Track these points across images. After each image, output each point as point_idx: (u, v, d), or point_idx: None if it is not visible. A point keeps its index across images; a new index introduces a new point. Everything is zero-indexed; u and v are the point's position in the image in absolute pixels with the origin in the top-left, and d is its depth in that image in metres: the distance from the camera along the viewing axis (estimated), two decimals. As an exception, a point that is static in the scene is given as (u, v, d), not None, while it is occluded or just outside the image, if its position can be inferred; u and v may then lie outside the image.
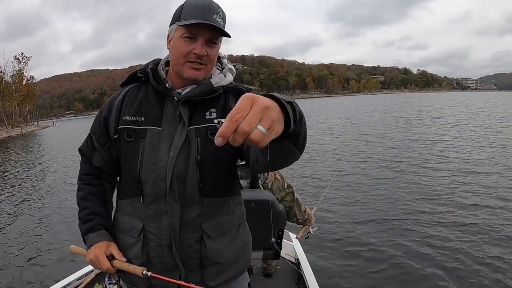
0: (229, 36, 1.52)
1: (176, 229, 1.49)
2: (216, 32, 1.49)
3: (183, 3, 1.52)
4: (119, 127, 1.56)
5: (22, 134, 58.79)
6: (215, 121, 1.53)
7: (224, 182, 1.60)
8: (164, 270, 1.52)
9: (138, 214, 1.54)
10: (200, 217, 1.52)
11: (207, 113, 1.56)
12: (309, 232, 3.76)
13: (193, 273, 1.56)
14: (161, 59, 1.68)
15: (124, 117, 1.56)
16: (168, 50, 1.60)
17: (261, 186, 3.16)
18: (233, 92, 1.61)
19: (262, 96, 0.83)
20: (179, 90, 1.57)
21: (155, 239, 1.52)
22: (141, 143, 1.52)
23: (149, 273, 1.43)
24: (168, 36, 1.56)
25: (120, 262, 1.51)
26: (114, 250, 1.55)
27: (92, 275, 3.79)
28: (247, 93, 0.81)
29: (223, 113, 1.56)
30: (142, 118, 1.54)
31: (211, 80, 1.58)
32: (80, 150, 1.71)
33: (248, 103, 0.78)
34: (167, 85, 1.57)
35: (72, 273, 3.76)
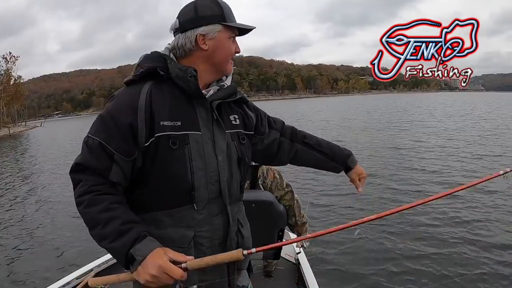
0: (243, 34, 1.70)
1: (230, 227, 1.59)
2: None
3: (217, 2, 1.56)
4: (158, 134, 1.45)
5: (10, 135, 58.30)
6: None
7: None
8: (212, 268, 1.49)
9: (186, 222, 1.50)
10: (237, 212, 1.69)
11: (232, 118, 1.72)
12: (302, 245, 3.82)
13: (230, 263, 1.60)
14: (160, 52, 1.62)
15: (162, 123, 1.46)
16: (199, 49, 1.57)
17: (261, 186, 3.19)
18: (243, 102, 1.82)
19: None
20: (203, 92, 1.58)
21: (207, 242, 1.54)
22: (186, 149, 1.47)
23: (245, 251, 1.39)
24: (203, 36, 1.54)
25: (197, 261, 1.36)
26: (173, 254, 1.35)
27: (92, 274, 3.81)
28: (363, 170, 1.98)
29: (243, 121, 1.78)
30: (179, 123, 1.48)
31: (230, 83, 1.71)
32: (82, 164, 1.45)
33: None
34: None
35: (72, 272, 3.79)
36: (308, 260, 3.99)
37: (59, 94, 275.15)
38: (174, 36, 1.62)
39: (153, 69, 1.52)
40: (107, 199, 1.39)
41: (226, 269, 1.63)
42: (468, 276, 5.06)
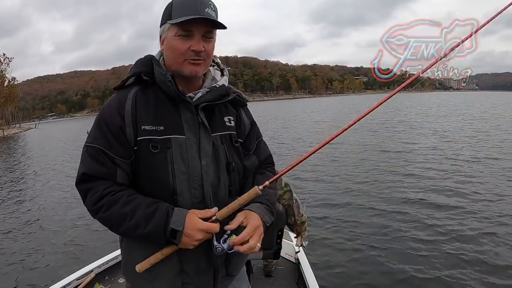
0: (225, 28, 1.48)
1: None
2: (211, 26, 1.47)
3: (171, 1, 1.48)
4: (139, 139, 1.46)
5: (4, 137, 58.01)
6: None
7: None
8: (197, 273, 1.55)
9: None
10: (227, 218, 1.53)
11: (226, 119, 1.65)
12: (301, 245, 3.84)
13: (221, 269, 1.59)
14: (153, 56, 1.61)
15: (143, 127, 1.46)
16: (162, 51, 1.57)
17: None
18: (240, 105, 1.74)
19: (260, 224, 1.49)
20: (190, 94, 1.54)
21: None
22: (168, 153, 1.46)
23: (261, 186, 1.47)
24: (160, 36, 1.53)
25: (224, 210, 1.45)
26: (200, 213, 1.43)
27: (92, 275, 3.83)
28: (255, 222, 1.47)
29: (238, 126, 1.69)
30: (162, 127, 1.47)
31: (224, 83, 1.64)
32: (87, 174, 1.46)
33: (253, 231, 1.44)
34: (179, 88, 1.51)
35: (72, 273, 3.80)
36: (308, 259, 4.01)
37: (54, 96, 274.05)
38: None
39: (138, 74, 1.53)
40: (123, 194, 1.43)
41: (212, 275, 1.60)
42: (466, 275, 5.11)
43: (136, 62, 1.60)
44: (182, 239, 1.38)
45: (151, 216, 1.38)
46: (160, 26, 1.52)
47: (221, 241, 1.45)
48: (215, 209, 1.46)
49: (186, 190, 1.48)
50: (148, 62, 1.58)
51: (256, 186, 1.48)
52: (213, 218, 1.43)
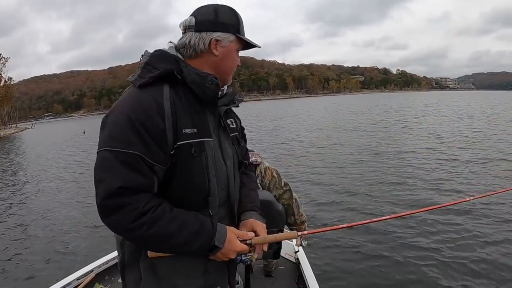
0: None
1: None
2: None
3: (234, 13, 1.57)
4: (180, 143, 1.38)
5: (0, 137, 57.82)
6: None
7: None
8: (217, 268, 1.56)
9: None
10: (237, 212, 1.68)
11: (229, 121, 1.70)
12: (301, 245, 3.85)
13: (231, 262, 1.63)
14: (167, 52, 1.52)
15: (184, 130, 1.39)
16: (208, 53, 1.53)
17: (259, 186, 3.20)
18: (236, 106, 1.78)
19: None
20: None
21: None
22: (203, 156, 1.43)
23: (299, 233, 1.64)
24: (217, 41, 1.51)
25: (261, 239, 1.56)
26: (239, 233, 1.53)
27: (92, 274, 3.82)
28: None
29: (236, 126, 1.76)
30: (195, 130, 1.43)
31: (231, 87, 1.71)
32: (124, 187, 1.27)
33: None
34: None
35: (72, 273, 3.80)
36: (308, 259, 4.01)
37: (50, 96, 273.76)
38: (185, 33, 1.54)
39: (170, 71, 1.42)
40: (164, 209, 1.34)
41: (226, 268, 1.64)
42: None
43: (155, 56, 1.49)
44: (217, 254, 1.44)
45: (197, 234, 1.38)
46: (220, 30, 1.52)
47: (243, 255, 1.55)
48: (252, 234, 1.55)
49: (216, 191, 1.50)
50: (173, 59, 1.48)
51: (296, 232, 1.65)
52: (248, 241, 1.52)
